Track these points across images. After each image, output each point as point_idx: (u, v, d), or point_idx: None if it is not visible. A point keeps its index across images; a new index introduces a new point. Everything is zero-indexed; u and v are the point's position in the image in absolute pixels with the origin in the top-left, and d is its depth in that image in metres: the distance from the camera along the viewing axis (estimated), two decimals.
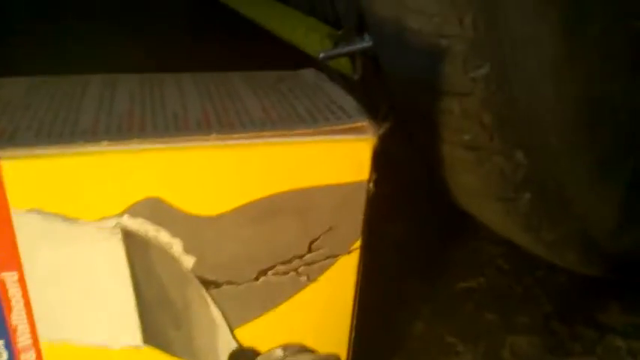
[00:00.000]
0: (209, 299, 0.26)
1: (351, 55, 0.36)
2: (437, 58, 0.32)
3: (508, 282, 0.49)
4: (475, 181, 0.38)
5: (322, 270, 0.27)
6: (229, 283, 0.26)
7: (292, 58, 0.48)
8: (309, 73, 0.32)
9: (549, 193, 0.37)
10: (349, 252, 0.27)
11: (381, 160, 0.25)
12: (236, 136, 0.24)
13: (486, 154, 0.35)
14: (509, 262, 0.51)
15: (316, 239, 0.26)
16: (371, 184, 0.26)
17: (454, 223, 0.54)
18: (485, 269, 0.50)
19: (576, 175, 0.36)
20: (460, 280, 0.49)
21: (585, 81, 0.33)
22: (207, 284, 0.26)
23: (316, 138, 0.24)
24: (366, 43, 0.34)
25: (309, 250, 0.26)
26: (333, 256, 0.27)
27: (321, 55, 0.37)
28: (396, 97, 0.37)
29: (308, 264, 0.27)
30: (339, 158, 0.25)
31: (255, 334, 0.27)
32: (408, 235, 0.54)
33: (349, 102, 0.27)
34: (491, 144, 0.34)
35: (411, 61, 0.33)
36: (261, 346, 0.28)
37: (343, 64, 0.37)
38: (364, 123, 0.25)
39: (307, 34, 0.45)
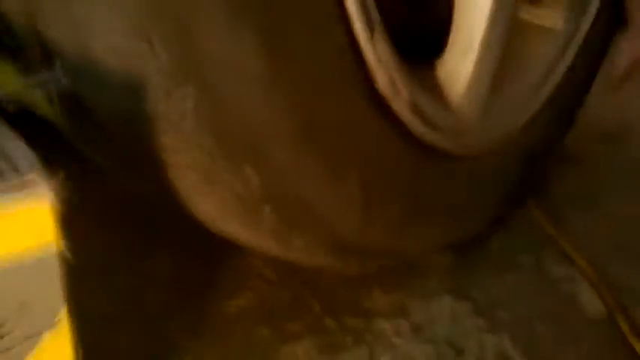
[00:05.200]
0: None
1: (48, 93, 0.31)
2: (136, 89, 0.29)
3: (276, 291, 0.49)
4: (213, 203, 0.36)
5: (26, 353, 0.23)
6: None
7: None
8: None
9: (289, 202, 0.36)
10: (55, 324, 0.23)
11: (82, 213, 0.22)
12: None
13: (214, 174, 0.33)
14: (276, 270, 0.50)
15: (3, 324, 0.21)
16: (64, 247, 0.22)
17: (211, 244, 0.52)
18: (251, 282, 0.49)
19: (308, 182, 0.35)
20: (227, 298, 0.47)
21: (294, 93, 0.32)
22: None
23: None
24: (56, 75, 0.30)
25: None
26: (36, 335, 0.23)
27: None
28: (108, 131, 0.33)
29: (3, 352, 0.22)
30: (12, 223, 0.21)
31: None
32: (170, 265, 0.51)
33: (20, 150, 0.23)
34: (214, 164, 0.32)
35: (109, 95, 0.30)
36: None
37: (41, 104, 0.32)
38: (35, 177, 0.21)
39: None
